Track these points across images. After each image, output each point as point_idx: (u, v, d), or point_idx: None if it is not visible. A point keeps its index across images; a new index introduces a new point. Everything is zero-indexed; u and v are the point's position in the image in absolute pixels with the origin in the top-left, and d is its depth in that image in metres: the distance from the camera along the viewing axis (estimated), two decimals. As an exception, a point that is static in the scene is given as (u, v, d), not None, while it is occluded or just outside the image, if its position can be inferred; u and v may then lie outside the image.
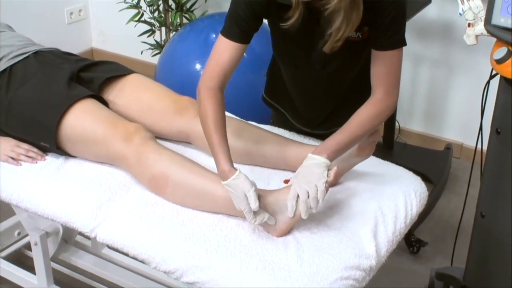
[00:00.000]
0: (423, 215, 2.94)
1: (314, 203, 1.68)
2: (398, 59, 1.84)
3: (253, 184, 1.72)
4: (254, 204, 1.70)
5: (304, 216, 1.70)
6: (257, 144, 2.04)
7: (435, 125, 3.81)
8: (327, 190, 1.71)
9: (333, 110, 2.14)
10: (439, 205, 3.22)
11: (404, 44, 1.83)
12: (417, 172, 2.13)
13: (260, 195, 1.76)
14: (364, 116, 1.84)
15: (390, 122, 3.39)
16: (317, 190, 1.68)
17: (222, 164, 1.77)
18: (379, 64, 1.83)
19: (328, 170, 1.73)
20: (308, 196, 1.68)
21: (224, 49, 1.84)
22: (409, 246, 2.97)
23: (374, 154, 2.01)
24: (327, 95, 2.10)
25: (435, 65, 3.64)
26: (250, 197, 1.70)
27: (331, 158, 1.76)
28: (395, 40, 1.82)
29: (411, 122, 3.86)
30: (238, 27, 1.82)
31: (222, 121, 1.83)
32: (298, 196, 1.70)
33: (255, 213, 1.72)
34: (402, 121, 3.77)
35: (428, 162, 3.46)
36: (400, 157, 3.43)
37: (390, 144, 3.49)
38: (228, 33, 1.84)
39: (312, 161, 1.75)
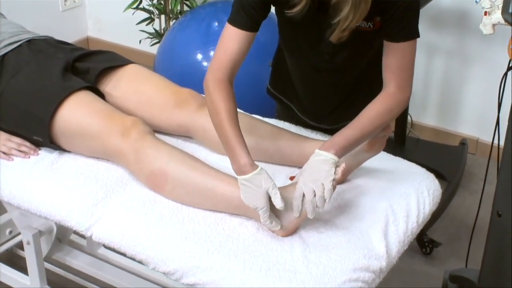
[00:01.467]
0: (437, 214, 2.94)
1: (320, 202, 1.68)
2: (411, 51, 1.84)
3: (267, 196, 1.73)
4: (280, 203, 1.70)
5: (310, 216, 1.70)
6: (262, 139, 2.04)
7: (449, 119, 3.81)
8: (334, 188, 1.71)
9: (341, 103, 2.14)
10: (453, 203, 3.23)
11: (418, 35, 1.83)
12: (430, 169, 2.13)
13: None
14: (375, 111, 1.84)
15: (402, 115, 3.39)
16: (324, 189, 1.68)
17: (241, 157, 1.75)
18: (391, 57, 1.83)
19: (336, 167, 1.73)
20: (315, 195, 1.68)
21: (232, 38, 1.85)
22: (422, 246, 2.97)
23: (384, 150, 2.01)
24: (335, 87, 2.10)
25: (450, 55, 3.64)
26: (275, 195, 1.71)
27: (339, 154, 1.76)
28: (408, 31, 1.81)
29: (424, 116, 3.86)
30: (246, 14, 1.83)
31: (235, 113, 1.83)
32: (304, 195, 1.70)
33: (271, 215, 1.73)
34: (414, 115, 3.77)
35: (442, 158, 3.46)
36: (412, 153, 3.43)
37: (401, 139, 3.49)
38: (235, 21, 1.84)
39: (319, 158, 1.74)
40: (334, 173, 1.71)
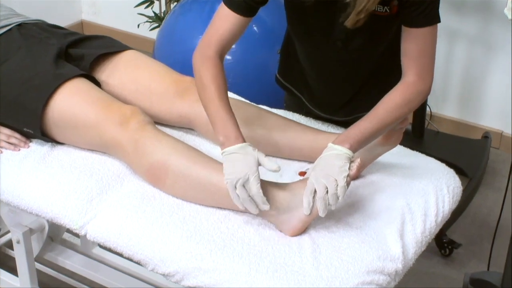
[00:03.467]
0: (457, 213, 2.94)
1: (333, 199, 1.69)
2: (432, 37, 1.84)
3: (257, 163, 1.73)
4: (274, 165, 1.72)
5: (321, 214, 1.70)
6: (269, 131, 2.04)
7: (471, 111, 3.80)
8: (348, 184, 1.71)
9: (355, 94, 2.14)
10: (474, 201, 3.22)
11: (438, 20, 1.83)
12: (450, 164, 2.13)
13: (272, 189, 1.77)
14: (393, 102, 1.83)
15: (420, 107, 3.37)
16: (337, 185, 1.68)
17: (231, 130, 1.78)
18: (410, 43, 1.83)
19: (351, 162, 1.73)
20: (327, 192, 1.69)
21: (225, 19, 1.88)
22: (441, 248, 2.97)
23: (401, 143, 2.01)
24: (348, 77, 2.09)
25: (472, 42, 3.63)
26: (267, 159, 1.73)
27: (354, 149, 1.76)
28: (429, 16, 1.81)
29: (444, 107, 3.86)
30: None
31: (225, 90, 1.85)
32: (315, 191, 1.70)
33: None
34: (434, 106, 3.77)
35: (463, 152, 3.46)
36: (431, 147, 3.43)
37: (420, 132, 3.49)
38: (231, 4, 1.86)
39: (332, 152, 1.74)
40: (349, 168, 1.71)
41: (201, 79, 1.87)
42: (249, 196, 1.72)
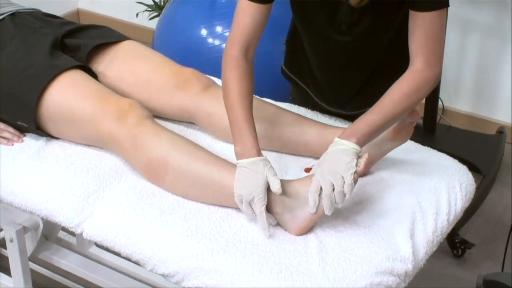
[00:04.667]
0: (470, 212, 2.94)
1: (339, 197, 1.69)
2: (440, 22, 1.83)
3: (266, 183, 1.75)
4: (278, 186, 1.73)
5: (328, 213, 1.70)
6: (274, 125, 2.04)
7: (485, 105, 3.80)
8: (356, 181, 1.71)
9: (363, 85, 2.14)
10: (488, 199, 3.22)
11: (447, 4, 1.83)
12: (463, 160, 2.13)
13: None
14: (400, 92, 1.82)
15: (432, 100, 3.39)
16: (344, 183, 1.68)
17: (248, 140, 1.79)
18: (418, 28, 1.83)
19: (358, 157, 1.73)
20: (333, 190, 1.69)
21: (245, 13, 1.89)
22: (453, 248, 2.97)
23: (412, 138, 2.01)
24: (355, 66, 2.09)
25: (487, 32, 3.63)
26: (273, 178, 1.73)
27: (362, 143, 1.76)
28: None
29: (457, 101, 3.86)
30: None
31: (248, 94, 1.86)
32: (321, 188, 1.70)
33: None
34: (446, 99, 3.77)
35: (477, 148, 3.46)
36: (443, 142, 3.43)
37: (431, 127, 3.49)
38: None
39: (339, 147, 1.74)
40: (356, 164, 1.71)
41: (224, 82, 1.89)
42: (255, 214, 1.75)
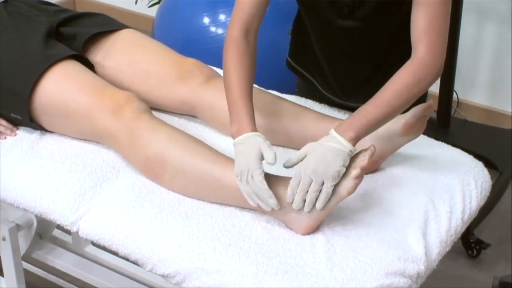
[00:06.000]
0: (486, 210, 2.94)
1: (311, 198, 1.70)
2: (444, 7, 1.82)
3: (261, 155, 1.74)
4: (272, 156, 1.71)
5: (295, 207, 1.72)
6: (279, 118, 2.04)
7: (502, 97, 3.79)
8: (356, 185, 1.70)
9: (371, 75, 2.13)
10: (505, 197, 3.22)
11: None
12: (478, 156, 2.13)
13: (280, 185, 1.77)
14: (401, 83, 1.80)
15: (446, 92, 3.39)
16: (321, 188, 1.69)
17: (244, 118, 1.80)
18: (420, 14, 1.82)
19: (359, 152, 1.72)
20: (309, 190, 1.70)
21: None
22: (467, 248, 2.97)
23: (425, 133, 2.01)
24: (361, 55, 2.09)
25: (504, 21, 3.62)
26: (268, 148, 1.72)
27: (359, 138, 1.74)
28: None
29: (472, 93, 3.85)
30: None
31: (247, 73, 1.87)
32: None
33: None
34: (461, 92, 3.76)
35: (493, 143, 3.45)
36: (458, 137, 3.43)
37: (445, 121, 3.49)
38: None
39: (333, 145, 1.72)
40: (356, 166, 1.71)
41: (223, 62, 1.90)
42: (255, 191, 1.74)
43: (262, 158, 1.74)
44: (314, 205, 1.72)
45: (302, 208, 1.73)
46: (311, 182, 1.69)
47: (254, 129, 1.79)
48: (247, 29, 1.92)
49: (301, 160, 1.74)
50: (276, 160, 1.73)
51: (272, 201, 1.73)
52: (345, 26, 2.01)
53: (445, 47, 1.84)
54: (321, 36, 2.11)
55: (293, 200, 1.72)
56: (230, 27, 1.92)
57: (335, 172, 1.69)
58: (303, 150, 1.75)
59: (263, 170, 1.73)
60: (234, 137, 1.80)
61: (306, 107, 2.12)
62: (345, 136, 1.72)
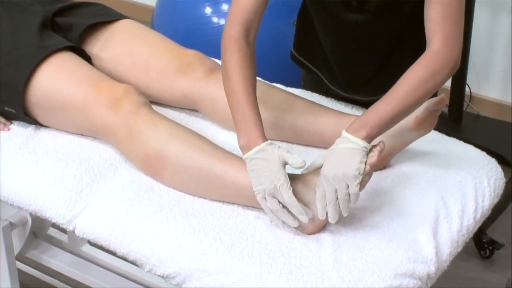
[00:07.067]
0: (499, 209, 2.94)
1: (343, 205, 1.69)
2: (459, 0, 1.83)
3: (283, 165, 1.73)
4: (299, 160, 1.71)
5: (332, 221, 1.71)
6: (285, 113, 2.04)
7: (517, 91, 3.79)
8: (364, 185, 1.70)
9: (379, 69, 2.13)
10: (520, 196, 3.22)
11: None
12: (492, 153, 2.13)
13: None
14: (415, 78, 1.79)
15: (458, 86, 3.38)
16: (348, 191, 1.69)
17: (253, 130, 1.77)
18: (435, 6, 1.81)
19: (370, 150, 1.72)
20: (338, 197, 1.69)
21: None
22: (480, 248, 2.97)
23: (436, 128, 2.01)
24: (369, 48, 2.09)
25: (519, 12, 3.62)
26: (291, 156, 1.72)
27: (372, 137, 1.73)
28: None
29: (486, 87, 3.85)
30: None
31: (251, 79, 1.85)
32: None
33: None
34: (474, 86, 3.76)
35: (507, 139, 3.45)
36: (470, 132, 3.43)
37: (457, 115, 3.48)
38: None
39: (347, 145, 1.71)
40: (365, 166, 1.70)
41: (224, 66, 1.87)
42: (283, 206, 1.73)
43: (284, 167, 1.73)
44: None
45: (311, 206, 1.74)
46: (336, 189, 1.68)
47: (265, 139, 1.78)
48: (248, 29, 1.89)
49: (319, 168, 1.74)
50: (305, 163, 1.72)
51: (304, 218, 1.72)
52: (353, 20, 2.01)
53: (461, 39, 1.83)
54: (328, 30, 2.11)
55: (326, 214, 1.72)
56: (230, 26, 1.89)
57: (355, 171, 1.68)
58: (319, 159, 1.75)
59: (290, 185, 1.72)
60: (244, 151, 1.78)
61: (313, 102, 2.11)
62: (358, 135, 1.71)
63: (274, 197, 1.72)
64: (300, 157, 1.72)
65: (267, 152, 1.74)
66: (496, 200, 2.02)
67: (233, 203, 1.86)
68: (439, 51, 1.80)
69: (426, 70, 1.78)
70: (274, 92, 2.10)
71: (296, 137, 2.06)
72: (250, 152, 1.76)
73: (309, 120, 2.04)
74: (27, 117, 2.08)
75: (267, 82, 2.16)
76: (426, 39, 1.83)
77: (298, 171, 1.78)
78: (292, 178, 1.78)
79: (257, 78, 2.09)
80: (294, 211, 1.72)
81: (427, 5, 1.82)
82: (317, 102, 2.16)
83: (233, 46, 1.87)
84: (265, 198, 1.73)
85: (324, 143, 2.02)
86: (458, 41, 1.82)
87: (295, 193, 1.74)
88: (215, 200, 1.87)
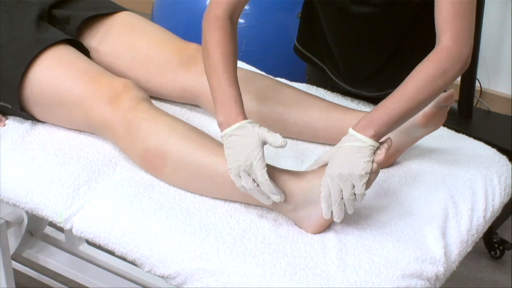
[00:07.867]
0: (510, 208, 2.93)
1: (349, 204, 1.69)
2: None
3: (261, 144, 1.72)
4: (280, 139, 1.70)
5: (337, 220, 1.71)
6: (289, 108, 2.04)
7: (528, 87, 3.79)
8: (369, 185, 1.70)
9: (386, 63, 2.13)
10: (531, 194, 3.22)
11: None
12: (502, 150, 2.13)
13: (287, 180, 1.77)
14: (424, 74, 1.78)
15: (468, 81, 3.38)
16: (354, 191, 1.69)
17: (233, 107, 1.77)
18: (445, 2, 1.82)
19: (377, 148, 1.72)
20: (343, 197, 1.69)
21: None
22: (490, 248, 2.97)
23: (445, 125, 2.01)
24: (375, 42, 2.09)
25: (531, 5, 3.62)
26: (272, 135, 1.71)
27: (380, 135, 1.73)
28: None
29: (496, 82, 3.85)
30: None
31: (232, 58, 1.85)
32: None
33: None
34: (484, 81, 3.76)
35: (518, 136, 3.45)
36: (480, 129, 3.42)
37: (467, 111, 3.48)
38: None
39: (354, 144, 1.71)
40: (371, 166, 1.70)
41: (206, 44, 1.87)
42: (257, 185, 1.73)
43: (262, 146, 1.72)
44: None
45: (315, 206, 1.74)
46: (341, 189, 1.68)
47: (245, 117, 1.77)
48: (233, 10, 1.89)
49: (323, 165, 1.74)
50: (286, 143, 1.72)
51: (276, 197, 1.72)
52: (359, 12, 2.01)
53: (472, 35, 1.83)
54: (333, 22, 2.11)
55: (331, 213, 1.72)
56: (215, 5, 1.89)
57: (361, 171, 1.67)
58: (325, 156, 1.75)
59: (265, 164, 1.71)
60: (222, 127, 1.78)
61: (319, 97, 2.11)
62: (365, 133, 1.71)
63: (249, 175, 1.72)
64: (282, 137, 1.71)
65: (247, 129, 1.74)
66: (507, 199, 2.02)
67: (235, 202, 1.86)
68: (450, 48, 1.79)
69: (437, 67, 1.78)
70: (279, 88, 2.09)
71: (301, 133, 2.06)
72: (228, 129, 1.75)
73: (315, 116, 2.04)
74: (23, 112, 2.08)
75: (272, 76, 2.16)
76: (436, 35, 1.83)
77: (297, 164, 1.78)
78: (297, 176, 1.78)
79: (264, 74, 2.10)
80: (266, 189, 1.71)
81: (437, 3, 1.82)
82: (322, 97, 2.15)
83: (216, 25, 1.87)
84: (239, 176, 1.73)
85: (329, 140, 2.03)
86: (469, 39, 1.82)
87: (276, 178, 1.74)
88: (216, 198, 1.87)
